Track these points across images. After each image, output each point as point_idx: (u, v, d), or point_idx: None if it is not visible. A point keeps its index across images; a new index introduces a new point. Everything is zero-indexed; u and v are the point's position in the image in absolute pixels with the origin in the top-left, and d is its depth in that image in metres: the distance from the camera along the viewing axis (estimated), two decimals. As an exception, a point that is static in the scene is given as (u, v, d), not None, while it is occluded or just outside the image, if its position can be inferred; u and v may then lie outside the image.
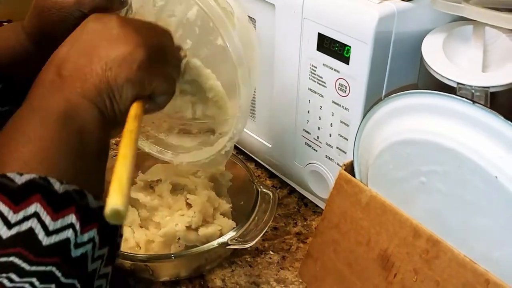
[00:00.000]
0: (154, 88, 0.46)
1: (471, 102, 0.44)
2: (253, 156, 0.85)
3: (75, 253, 0.34)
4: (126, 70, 0.43)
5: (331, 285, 0.62)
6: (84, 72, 0.42)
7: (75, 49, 0.43)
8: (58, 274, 0.32)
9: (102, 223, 0.35)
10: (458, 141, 0.45)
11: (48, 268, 0.32)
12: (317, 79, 0.64)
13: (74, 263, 0.34)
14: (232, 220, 0.70)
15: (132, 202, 0.69)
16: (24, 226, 0.32)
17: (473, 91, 0.49)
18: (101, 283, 0.37)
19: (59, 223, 0.33)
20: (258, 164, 0.85)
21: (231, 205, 0.73)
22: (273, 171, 0.83)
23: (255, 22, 0.71)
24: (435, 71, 0.53)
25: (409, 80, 0.61)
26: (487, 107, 0.43)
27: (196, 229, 0.66)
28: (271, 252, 0.71)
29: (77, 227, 0.34)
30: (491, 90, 0.49)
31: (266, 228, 0.66)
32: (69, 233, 0.34)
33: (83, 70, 0.42)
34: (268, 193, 0.70)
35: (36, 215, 0.33)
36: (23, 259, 0.31)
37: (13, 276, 0.31)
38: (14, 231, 0.32)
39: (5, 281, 0.30)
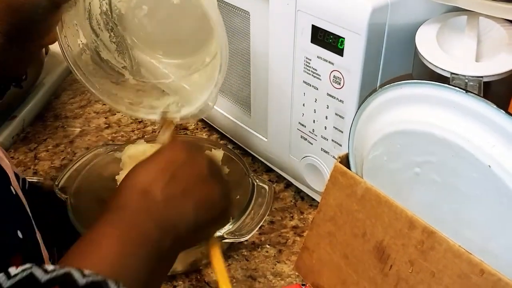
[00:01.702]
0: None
1: (464, 91, 0.44)
2: (249, 151, 0.85)
3: None
4: (211, 215, 0.51)
5: (327, 277, 0.62)
6: (177, 205, 0.48)
7: (170, 180, 0.49)
8: None
9: None
10: (451, 131, 0.45)
11: None
12: (311, 71, 0.64)
13: None
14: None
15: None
16: None
17: (466, 80, 0.49)
18: None
19: None
20: (254, 159, 0.85)
21: (227, 199, 0.72)
22: (270, 165, 0.83)
23: (249, 15, 0.71)
24: (428, 62, 0.53)
25: (403, 71, 0.61)
26: (480, 96, 0.43)
27: (192, 223, 0.66)
28: (268, 246, 0.71)
29: None
30: (485, 79, 0.49)
31: (262, 221, 0.66)
32: None
33: (177, 202, 0.48)
34: (264, 186, 0.70)
35: None
36: None
37: None
38: None
39: None
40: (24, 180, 0.62)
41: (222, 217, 0.55)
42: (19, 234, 0.54)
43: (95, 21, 0.68)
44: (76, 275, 0.36)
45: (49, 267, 0.37)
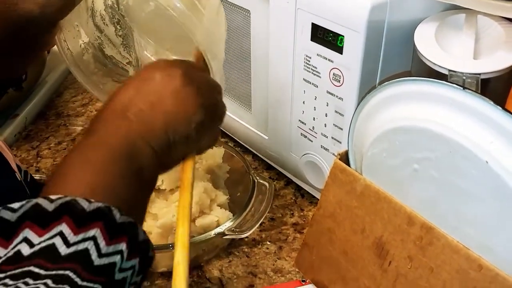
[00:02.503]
0: (204, 143, 0.53)
1: (462, 88, 0.44)
2: (250, 149, 0.85)
3: (118, 276, 0.37)
4: (185, 128, 0.48)
5: (327, 273, 0.62)
6: (148, 121, 0.46)
7: (142, 96, 0.47)
8: None
9: (143, 255, 0.40)
10: (449, 127, 0.46)
11: (96, 285, 0.36)
12: (311, 69, 0.65)
13: (116, 285, 0.37)
14: (230, 211, 0.71)
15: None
16: (81, 246, 0.36)
17: (464, 77, 0.49)
18: None
19: (111, 248, 0.37)
20: (255, 156, 0.86)
21: (228, 196, 0.73)
22: (270, 162, 0.83)
23: (249, 14, 0.71)
24: (427, 59, 0.53)
25: (402, 69, 0.61)
26: (477, 93, 0.43)
27: (193, 220, 0.67)
28: (268, 243, 0.71)
29: (125, 254, 0.38)
30: (482, 76, 0.50)
31: (263, 218, 0.66)
32: (117, 258, 0.37)
33: (148, 118, 0.46)
34: (264, 183, 0.70)
35: (93, 238, 0.37)
36: (76, 274, 0.35)
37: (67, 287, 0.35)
38: (72, 249, 0.36)
39: None
40: (26, 172, 0.63)
41: (198, 136, 0.50)
42: None
43: (99, 17, 0.68)
44: (82, 202, 0.37)
45: (53, 196, 0.37)
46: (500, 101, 0.49)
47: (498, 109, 0.42)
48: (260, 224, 0.73)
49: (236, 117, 0.83)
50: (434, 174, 0.50)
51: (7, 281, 0.34)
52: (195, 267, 0.68)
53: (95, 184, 0.40)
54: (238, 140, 0.87)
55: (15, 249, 0.36)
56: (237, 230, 0.64)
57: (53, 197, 0.37)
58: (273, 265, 0.68)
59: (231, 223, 0.64)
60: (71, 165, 0.42)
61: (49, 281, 0.34)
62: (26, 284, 0.34)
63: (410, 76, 0.50)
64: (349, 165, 0.61)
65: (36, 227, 0.36)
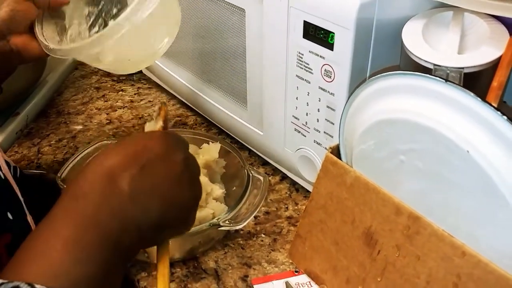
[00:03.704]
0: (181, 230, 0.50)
1: (444, 81, 0.46)
2: (246, 145, 0.87)
3: None
4: (177, 217, 0.46)
5: (319, 263, 0.64)
6: (145, 202, 0.43)
7: (142, 173, 0.43)
8: None
9: None
10: (433, 119, 0.48)
11: None
12: (304, 66, 0.66)
13: None
14: (225, 205, 0.73)
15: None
16: None
17: (448, 71, 0.51)
18: None
19: None
20: (251, 152, 0.88)
21: (224, 190, 0.75)
22: (266, 158, 0.85)
23: (244, 13, 0.73)
24: (413, 54, 0.55)
25: (392, 64, 0.63)
26: (458, 85, 0.45)
27: (190, 213, 0.68)
28: (263, 235, 0.73)
29: None
30: (466, 70, 0.52)
31: (258, 210, 0.68)
32: None
33: (145, 199, 0.43)
34: (259, 178, 0.72)
35: None
36: None
37: None
38: None
39: None
40: (15, 168, 0.64)
41: (186, 222, 0.50)
42: (9, 215, 0.54)
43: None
44: None
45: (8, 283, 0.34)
46: (484, 95, 0.51)
47: (478, 100, 0.44)
48: (255, 218, 0.75)
49: (232, 114, 0.85)
50: (419, 165, 0.52)
51: None
52: (191, 258, 0.69)
53: (68, 271, 0.37)
54: (234, 136, 0.89)
55: None
56: (232, 221, 0.66)
57: (36, 286, 0.34)
58: (267, 256, 0.70)
59: (226, 215, 0.66)
60: (49, 235, 0.38)
61: None
62: None
63: (399, 70, 0.52)
64: (341, 159, 0.63)
65: None
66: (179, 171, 0.46)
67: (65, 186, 0.49)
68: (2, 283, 0.33)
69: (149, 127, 0.55)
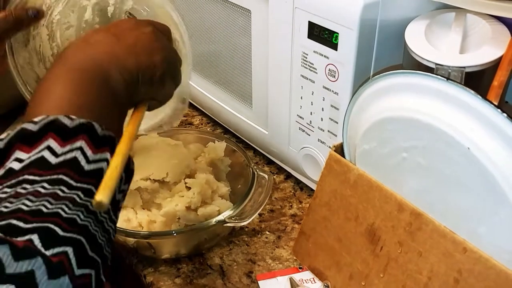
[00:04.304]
0: (159, 96, 0.55)
1: (445, 79, 0.47)
2: (251, 144, 0.88)
3: None
4: (151, 73, 0.51)
5: (322, 260, 0.65)
6: (122, 58, 0.49)
7: (117, 39, 0.50)
8: (95, 190, 0.39)
9: (126, 167, 0.44)
10: (434, 116, 0.49)
11: (89, 186, 0.40)
12: (308, 65, 0.68)
13: None
14: (230, 202, 0.74)
15: (134, 186, 0.72)
16: (69, 156, 0.40)
17: (450, 70, 0.52)
18: (120, 197, 0.45)
19: (98, 156, 0.41)
20: (256, 152, 0.89)
21: (229, 188, 0.76)
22: (270, 157, 0.86)
23: (250, 14, 0.74)
24: (415, 54, 0.56)
25: (395, 64, 0.64)
26: (459, 83, 0.46)
27: (196, 210, 0.70)
28: (267, 232, 0.74)
29: (87, 150, 0.41)
30: (467, 70, 0.53)
31: (262, 207, 0.69)
32: (104, 165, 0.41)
33: (122, 56, 0.49)
34: (264, 176, 0.73)
35: (80, 148, 0.40)
36: (69, 177, 0.39)
37: (64, 188, 0.38)
38: (61, 158, 0.39)
39: (59, 192, 0.38)
40: None
41: (161, 85, 0.54)
42: None
43: (49, 63, 0.70)
44: (64, 120, 0.40)
45: (36, 118, 0.40)
46: (486, 94, 0.52)
47: (478, 98, 0.45)
48: (260, 215, 0.77)
49: (237, 113, 0.86)
50: (421, 161, 0.53)
51: (6, 189, 0.37)
52: (197, 254, 0.71)
53: (74, 103, 0.43)
54: (240, 136, 0.90)
55: (6, 167, 0.39)
56: (237, 218, 0.67)
57: (36, 119, 0.40)
58: (272, 253, 0.71)
59: (232, 211, 0.67)
60: (51, 85, 0.45)
61: (45, 184, 0.38)
62: (24, 189, 0.37)
63: (402, 69, 0.53)
64: (344, 157, 0.64)
65: (24, 147, 0.40)
66: (149, 38, 0.52)
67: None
68: (42, 119, 0.40)
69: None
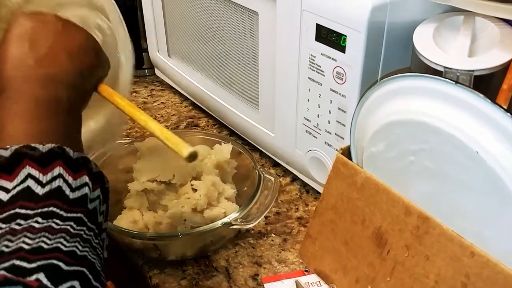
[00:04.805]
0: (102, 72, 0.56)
1: (454, 82, 0.47)
2: (257, 146, 0.88)
3: (91, 206, 0.42)
4: (88, 58, 0.52)
5: (329, 263, 0.65)
6: (53, 59, 0.49)
7: (36, 44, 0.49)
8: (85, 219, 0.41)
9: (102, 185, 0.44)
10: (442, 120, 0.49)
11: (79, 215, 0.40)
12: (316, 68, 0.67)
13: (91, 214, 0.42)
14: (237, 204, 0.74)
15: (141, 188, 0.72)
16: (54, 184, 0.40)
17: (458, 74, 0.52)
18: (102, 220, 0.45)
19: (78, 182, 0.41)
20: (262, 154, 0.89)
21: (235, 190, 0.76)
22: (277, 159, 0.86)
23: (257, 16, 0.74)
24: (424, 57, 0.56)
25: (403, 67, 0.64)
26: (468, 87, 0.46)
27: (202, 212, 0.69)
28: (273, 235, 0.74)
29: (90, 185, 0.42)
30: (476, 73, 0.52)
31: (268, 209, 0.69)
32: (86, 190, 0.42)
33: (51, 57, 0.49)
34: (270, 178, 0.73)
35: (61, 176, 0.41)
36: (59, 208, 0.39)
37: (57, 220, 0.39)
38: (47, 188, 0.40)
39: (53, 225, 0.38)
40: None
41: (99, 60, 0.55)
42: None
43: None
44: (36, 146, 0.40)
45: (4, 148, 0.40)
46: (494, 98, 0.52)
47: (487, 102, 0.45)
48: (266, 218, 0.76)
49: (244, 116, 0.86)
50: (429, 165, 0.52)
51: (0, 224, 0.37)
52: (203, 256, 0.71)
53: (32, 131, 0.43)
54: (246, 138, 0.90)
55: None
56: (243, 220, 0.67)
57: (5, 148, 0.40)
58: (278, 256, 0.71)
59: (238, 214, 0.67)
60: (4, 121, 0.44)
61: (38, 218, 0.38)
62: (19, 224, 0.37)
63: (410, 73, 0.53)
64: (351, 160, 0.63)
65: (2, 174, 0.40)
66: (59, 26, 0.52)
67: None
68: (11, 147, 0.40)
69: None
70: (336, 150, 0.70)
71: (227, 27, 0.82)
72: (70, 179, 0.41)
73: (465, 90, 0.46)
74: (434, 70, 0.55)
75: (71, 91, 0.49)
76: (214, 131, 0.96)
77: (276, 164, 0.87)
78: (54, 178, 0.40)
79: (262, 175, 0.73)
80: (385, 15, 0.60)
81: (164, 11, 0.98)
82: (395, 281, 0.57)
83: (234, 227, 0.67)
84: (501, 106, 0.45)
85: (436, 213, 0.53)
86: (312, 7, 0.64)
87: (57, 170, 0.41)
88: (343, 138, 0.69)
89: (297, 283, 0.66)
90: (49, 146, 0.41)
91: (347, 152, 0.64)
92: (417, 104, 0.51)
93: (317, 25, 0.64)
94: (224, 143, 0.80)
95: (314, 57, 0.67)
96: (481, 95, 0.45)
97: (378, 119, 0.56)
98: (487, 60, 0.54)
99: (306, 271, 0.68)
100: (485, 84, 0.55)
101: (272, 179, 0.73)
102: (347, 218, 0.62)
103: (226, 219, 0.67)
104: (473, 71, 0.52)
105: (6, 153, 0.40)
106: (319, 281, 0.66)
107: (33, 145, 0.41)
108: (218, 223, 0.66)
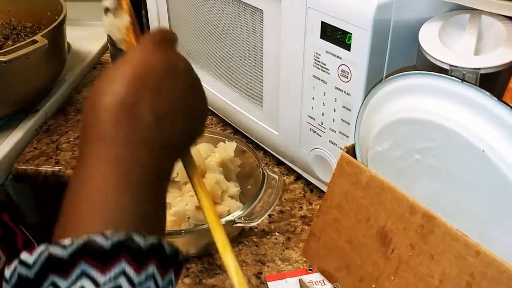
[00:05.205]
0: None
1: (460, 80, 0.47)
2: (261, 145, 0.88)
3: None
4: (200, 126, 0.48)
5: (332, 262, 0.65)
6: (168, 123, 0.42)
7: (154, 97, 0.42)
8: None
9: (176, 265, 0.38)
10: (448, 118, 0.48)
11: None
12: (320, 66, 0.67)
13: None
14: (240, 202, 0.73)
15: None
16: (113, 284, 0.34)
17: (464, 72, 0.52)
18: None
19: (143, 276, 0.35)
20: (266, 152, 0.89)
21: (239, 188, 0.76)
22: (281, 158, 0.86)
23: (262, 13, 0.74)
24: (429, 55, 0.56)
25: (408, 65, 0.64)
26: (474, 85, 0.46)
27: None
28: (277, 234, 0.74)
29: (158, 278, 0.36)
30: (482, 71, 0.52)
31: (272, 207, 0.69)
32: (151, 284, 0.35)
33: (168, 121, 0.42)
34: (274, 177, 0.73)
35: (153, 277, 0.35)
36: None
37: None
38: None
39: None
40: None
41: (203, 122, 0.50)
42: None
43: None
44: (99, 239, 0.34)
45: (65, 241, 0.34)
46: (501, 97, 0.52)
47: (493, 100, 0.45)
48: (269, 216, 0.76)
49: (248, 114, 0.86)
50: (434, 164, 0.52)
51: None
52: (206, 254, 0.70)
53: (134, 213, 0.38)
54: (250, 136, 0.90)
55: (77, 284, 0.34)
56: (247, 218, 0.67)
57: (107, 233, 0.35)
58: (281, 254, 0.71)
59: (241, 212, 0.67)
60: (95, 187, 0.38)
61: None
62: None
63: (415, 71, 0.53)
64: (356, 158, 0.63)
65: (96, 264, 0.34)
66: (187, 81, 0.46)
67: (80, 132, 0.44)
68: (73, 242, 0.34)
69: (110, 24, 0.50)
70: (341, 148, 0.70)
71: (232, 24, 0.82)
72: (132, 274, 0.35)
73: (472, 88, 0.46)
74: (440, 68, 0.55)
75: (173, 157, 0.44)
76: (218, 129, 0.96)
77: (280, 163, 0.87)
78: (115, 277, 0.34)
79: (266, 173, 0.73)
80: (391, 13, 0.59)
81: (168, 8, 0.98)
82: (399, 280, 0.57)
83: (238, 225, 0.67)
84: (507, 104, 0.44)
85: (441, 212, 0.53)
86: (317, 5, 0.64)
87: (151, 269, 0.35)
88: (347, 137, 0.68)
89: (301, 282, 0.66)
90: (150, 240, 0.36)
91: (351, 151, 0.64)
92: (423, 102, 0.50)
93: (322, 22, 0.64)
94: (228, 141, 0.79)
95: (319, 55, 0.67)
96: (488, 93, 0.45)
97: (383, 118, 0.56)
98: (494, 58, 0.53)
99: (309, 269, 0.68)
100: (491, 82, 0.55)
101: (276, 177, 0.73)
102: (351, 217, 0.62)
103: (229, 217, 0.66)
104: (479, 69, 0.52)
105: (107, 244, 0.34)
106: (323, 280, 0.66)
107: (136, 237, 0.35)
108: (222, 221, 0.66)
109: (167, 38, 0.48)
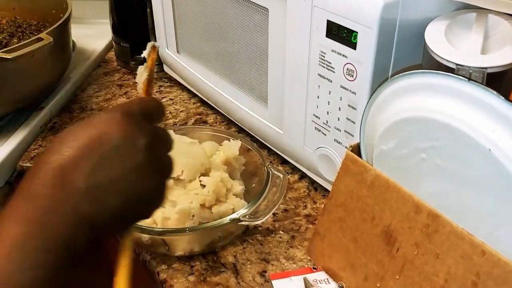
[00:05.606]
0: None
1: (467, 79, 0.46)
2: (265, 143, 0.88)
3: None
4: (145, 210, 0.45)
5: (337, 260, 0.65)
6: (100, 199, 0.40)
7: (93, 168, 0.40)
8: None
9: None
10: (454, 117, 0.48)
11: None
12: (326, 64, 0.67)
13: None
14: (245, 201, 0.73)
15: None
16: None
17: (471, 71, 0.52)
18: None
19: None
20: (270, 151, 0.89)
21: (243, 187, 0.76)
22: (285, 157, 0.86)
23: (267, 12, 0.74)
24: (436, 54, 0.56)
25: (414, 63, 0.63)
26: (481, 83, 0.46)
27: (210, 207, 0.69)
28: (281, 232, 0.74)
29: None
30: (489, 71, 0.52)
31: (277, 206, 0.69)
32: None
33: (101, 197, 0.40)
34: (279, 175, 0.73)
35: None
36: None
37: None
38: None
39: None
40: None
41: (146, 212, 0.47)
42: None
43: None
44: None
45: None
46: (508, 96, 0.51)
47: (500, 99, 0.44)
48: (274, 215, 0.76)
49: (252, 112, 0.86)
50: (440, 163, 0.52)
51: None
52: (211, 252, 0.70)
53: (18, 280, 0.35)
54: (254, 135, 0.90)
55: None
56: (252, 217, 0.67)
57: None
58: (286, 253, 0.71)
59: (246, 210, 0.67)
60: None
61: None
62: None
63: (420, 69, 0.53)
64: (361, 157, 0.63)
65: None
66: (139, 161, 0.42)
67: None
68: None
69: (138, 73, 0.52)
70: (346, 147, 0.70)
71: (237, 23, 0.82)
72: None
73: (478, 87, 0.46)
74: (446, 67, 0.55)
75: (92, 238, 0.40)
76: (222, 127, 0.96)
77: (284, 161, 0.87)
78: None
79: (270, 172, 0.73)
80: (397, 12, 0.59)
81: (174, 7, 0.98)
82: (404, 279, 0.57)
83: (242, 223, 0.67)
84: (514, 104, 0.44)
85: (447, 211, 0.53)
86: (323, 3, 0.64)
87: None
88: (352, 136, 0.68)
89: (305, 280, 0.66)
90: None
91: (356, 150, 0.64)
92: (429, 101, 0.50)
93: (328, 21, 0.64)
94: (233, 140, 0.79)
95: (325, 53, 0.67)
96: (495, 92, 0.45)
97: (388, 117, 0.56)
98: (500, 57, 0.53)
99: (314, 268, 0.68)
100: (498, 81, 0.55)
101: (281, 176, 0.73)
102: (356, 216, 0.62)
103: (234, 215, 0.66)
104: (486, 68, 0.52)
105: None
106: (327, 279, 0.66)
107: None
108: (226, 219, 0.66)
109: (146, 111, 0.46)
